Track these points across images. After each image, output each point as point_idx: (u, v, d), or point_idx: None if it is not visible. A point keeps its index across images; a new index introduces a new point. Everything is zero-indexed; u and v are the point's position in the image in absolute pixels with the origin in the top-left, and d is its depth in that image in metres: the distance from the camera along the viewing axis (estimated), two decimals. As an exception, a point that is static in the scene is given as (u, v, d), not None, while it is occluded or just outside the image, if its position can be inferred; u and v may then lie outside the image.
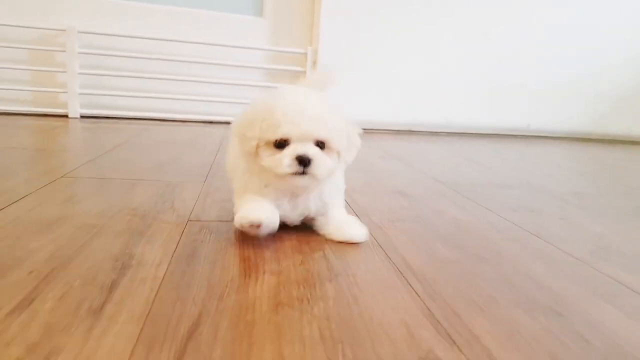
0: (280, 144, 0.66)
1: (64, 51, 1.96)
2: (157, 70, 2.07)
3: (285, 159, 0.64)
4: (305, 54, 2.17)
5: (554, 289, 0.58)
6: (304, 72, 2.15)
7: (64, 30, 1.94)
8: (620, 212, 1.03)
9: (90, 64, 2.01)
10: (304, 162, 0.65)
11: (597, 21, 2.52)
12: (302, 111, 0.65)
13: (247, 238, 0.68)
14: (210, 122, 2.15)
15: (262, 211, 0.66)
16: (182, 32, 2.07)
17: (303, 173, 0.65)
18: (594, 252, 0.73)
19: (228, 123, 1.96)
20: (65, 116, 2.01)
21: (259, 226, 0.65)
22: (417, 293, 0.54)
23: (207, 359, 0.39)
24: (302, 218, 0.73)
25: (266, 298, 0.50)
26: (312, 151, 0.65)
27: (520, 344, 0.45)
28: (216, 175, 1.08)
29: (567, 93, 2.60)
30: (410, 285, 0.56)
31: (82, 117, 2.02)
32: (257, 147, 0.66)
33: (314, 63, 2.18)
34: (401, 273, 0.59)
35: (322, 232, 0.72)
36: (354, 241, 0.70)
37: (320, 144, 0.67)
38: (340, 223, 0.72)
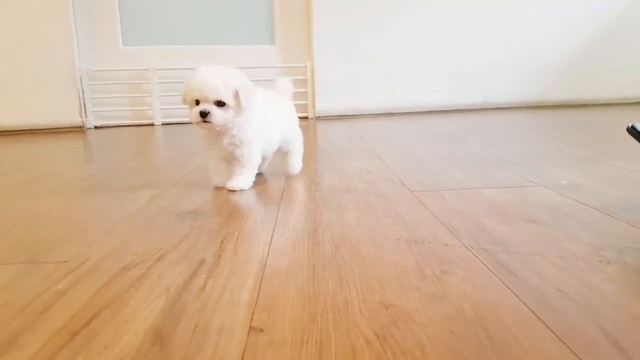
0: (197, 103, 1.04)
1: (148, 83, 3.05)
2: (207, 89, 3.11)
3: (195, 113, 1.02)
4: (306, 66, 3.14)
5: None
6: (306, 80, 3.11)
7: (147, 69, 3.03)
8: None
9: (165, 89, 3.09)
10: (203, 114, 1.02)
11: (536, 7, 3.27)
12: (205, 81, 1.02)
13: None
14: (245, 120, 3.16)
15: (218, 178, 1.16)
16: (223, 62, 3.09)
17: (205, 122, 1.03)
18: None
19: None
20: (152, 124, 3.10)
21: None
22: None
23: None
24: (227, 149, 1.10)
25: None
26: (209, 107, 1.01)
27: (307, 172, 1.38)
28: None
29: (518, 69, 3.34)
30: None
31: (162, 124, 3.11)
32: (184, 102, 1.07)
33: (312, 72, 3.13)
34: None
35: None
36: (229, 189, 1.11)
37: (219, 103, 1.03)
38: (234, 172, 1.12)
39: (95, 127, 3.05)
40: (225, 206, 1.03)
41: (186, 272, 0.66)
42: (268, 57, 3.16)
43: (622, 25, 3.36)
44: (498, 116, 2.95)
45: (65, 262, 0.72)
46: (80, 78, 2.95)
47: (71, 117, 2.96)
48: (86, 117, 3.01)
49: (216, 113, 1.03)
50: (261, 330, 0.49)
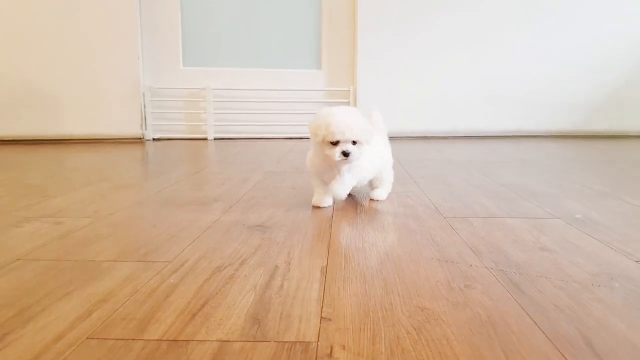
0: (335, 143, 1.20)
1: (204, 101, 3.32)
2: (258, 108, 3.36)
3: (337, 153, 1.19)
4: (349, 90, 3.35)
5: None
6: (348, 102, 3.32)
7: (204, 88, 3.30)
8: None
9: (219, 107, 3.35)
10: (346, 154, 1.20)
11: (575, 39, 3.39)
12: (346, 124, 1.18)
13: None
14: (291, 138, 3.39)
15: (321, 200, 1.34)
16: (274, 84, 3.34)
17: (345, 159, 1.20)
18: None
19: (302, 138, 3.18)
20: (206, 139, 3.36)
21: (321, 207, 1.34)
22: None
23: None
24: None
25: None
26: (350, 148, 1.20)
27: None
28: (285, 163, 2.27)
29: (552, 98, 3.46)
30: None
31: (215, 139, 3.37)
32: (323, 141, 1.20)
33: (355, 96, 3.34)
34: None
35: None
36: (336, 198, 1.33)
37: (354, 142, 1.21)
38: (335, 183, 1.29)
39: (154, 139, 3.33)
40: (287, 222, 1.23)
41: (265, 275, 0.86)
42: (315, 81, 3.39)
43: (659, 59, 3.44)
44: (530, 144, 3.07)
45: (169, 262, 0.93)
46: (143, 94, 3.25)
47: (133, 129, 3.26)
48: (146, 129, 3.30)
49: (354, 151, 1.21)
50: (329, 320, 0.68)
